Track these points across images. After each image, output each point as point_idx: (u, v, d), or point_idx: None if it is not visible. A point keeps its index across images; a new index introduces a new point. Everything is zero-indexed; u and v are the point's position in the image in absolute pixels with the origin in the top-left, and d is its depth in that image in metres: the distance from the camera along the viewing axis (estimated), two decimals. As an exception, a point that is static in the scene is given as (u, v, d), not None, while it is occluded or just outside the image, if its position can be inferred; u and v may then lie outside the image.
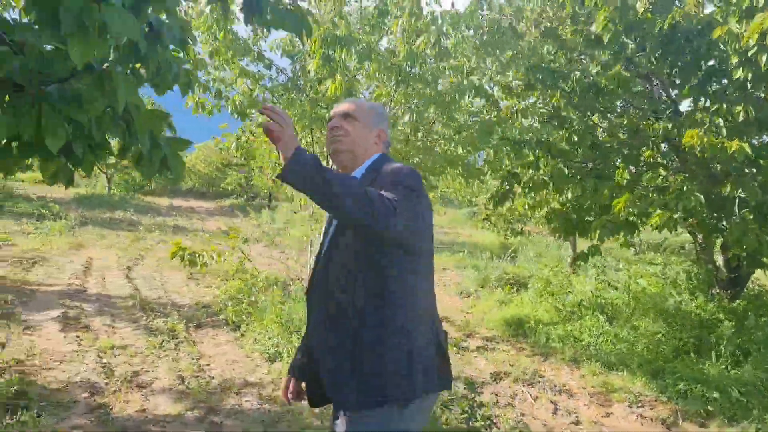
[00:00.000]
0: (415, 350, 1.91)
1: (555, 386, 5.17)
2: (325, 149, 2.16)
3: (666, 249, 12.44)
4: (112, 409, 4.05)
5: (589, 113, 6.20)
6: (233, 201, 28.50)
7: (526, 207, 8.43)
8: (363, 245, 1.92)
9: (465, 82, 4.76)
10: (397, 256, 1.91)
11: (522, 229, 16.03)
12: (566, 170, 5.81)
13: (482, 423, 3.95)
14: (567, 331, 6.51)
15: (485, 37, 4.93)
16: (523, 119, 6.02)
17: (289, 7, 2.57)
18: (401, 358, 1.89)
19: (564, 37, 5.88)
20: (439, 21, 4.43)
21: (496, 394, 4.89)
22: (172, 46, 2.46)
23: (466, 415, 4.01)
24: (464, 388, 4.58)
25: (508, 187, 6.49)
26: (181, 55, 2.69)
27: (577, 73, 5.68)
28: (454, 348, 6.00)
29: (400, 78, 4.54)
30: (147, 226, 13.59)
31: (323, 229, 2.22)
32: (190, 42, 2.57)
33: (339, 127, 2.10)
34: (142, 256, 10.25)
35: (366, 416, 1.88)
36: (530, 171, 6.13)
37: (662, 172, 5.46)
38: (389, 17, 4.77)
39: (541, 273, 8.63)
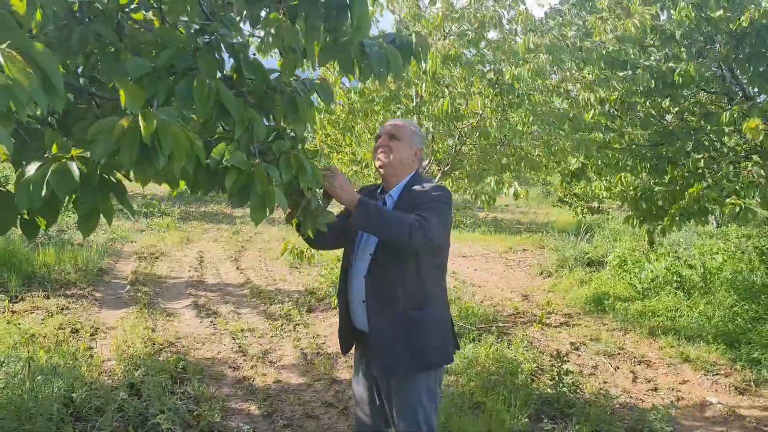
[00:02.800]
0: (446, 328, 2.71)
1: (634, 357, 5.67)
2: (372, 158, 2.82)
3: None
4: (253, 380, 4.90)
5: (659, 99, 6.52)
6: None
7: (602, 189, 8.82)
8: (403, 260, 2.52)
9: (555, 96, 5.29)
10: (429, 260, 2.56)
11: (598, 207, 16.18)
12: (637, 153, 6.20)
13: (569, 389, 4.55)
14: (645, 306, 6.94)
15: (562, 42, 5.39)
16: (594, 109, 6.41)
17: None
18: (439, 336, 2.65)
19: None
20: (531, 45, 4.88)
21: (580, 365, 5.45)
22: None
23: (553, 382, 4.61)
24: (550, 359, 5.18)
25: (579, 167, 6.97)
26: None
27: (646, 64, 6.06)
28: (539, 324, 6.57)
29: (497, 91, 5.07)
30: (242, 219, 14.68)
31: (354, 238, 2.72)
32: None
33: (386, 146, 2.67)
34: (245, 247, 11.27)
35: (412, 380, 2.60)
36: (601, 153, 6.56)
37: (736, 158, 5.76)
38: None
39: (618, 252, 9.02)
